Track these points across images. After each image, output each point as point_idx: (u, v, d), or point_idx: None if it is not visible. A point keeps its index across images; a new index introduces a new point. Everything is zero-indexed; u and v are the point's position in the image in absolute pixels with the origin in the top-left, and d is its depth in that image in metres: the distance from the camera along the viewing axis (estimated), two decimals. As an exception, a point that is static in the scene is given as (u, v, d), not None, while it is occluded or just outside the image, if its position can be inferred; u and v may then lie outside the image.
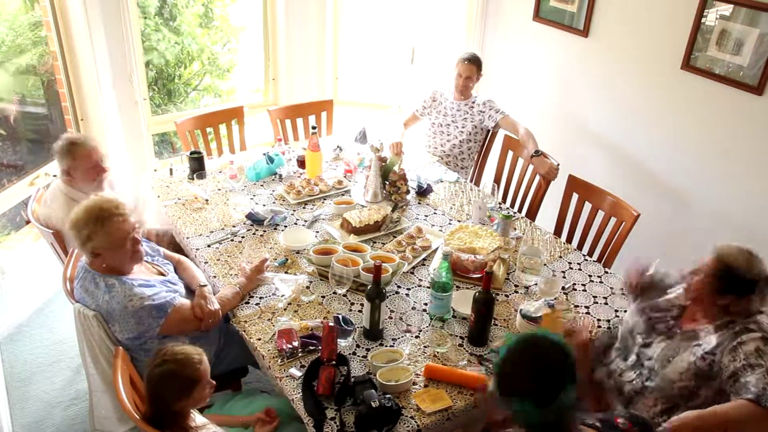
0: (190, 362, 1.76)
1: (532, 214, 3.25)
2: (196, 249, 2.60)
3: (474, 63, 3.48)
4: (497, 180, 3.53)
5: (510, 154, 3.53)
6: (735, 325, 1.88)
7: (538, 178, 3.28)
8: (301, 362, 2.04)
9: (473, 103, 3.55)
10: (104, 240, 2.04)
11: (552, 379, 1.37)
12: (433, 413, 1.88)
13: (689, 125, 3.18)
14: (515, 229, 2.85)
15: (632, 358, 2.07)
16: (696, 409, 1.81)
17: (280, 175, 3.18)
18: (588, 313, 2.35)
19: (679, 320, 2.04)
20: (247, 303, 2.30)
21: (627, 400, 2.02)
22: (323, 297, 2.35)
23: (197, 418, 1.87)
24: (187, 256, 2.60)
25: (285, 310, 2.27)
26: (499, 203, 3.10)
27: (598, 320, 2.33)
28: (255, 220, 2.75)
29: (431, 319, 2.26)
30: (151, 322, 2.08)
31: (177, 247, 2.78)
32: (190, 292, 2.37)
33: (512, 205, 3.40)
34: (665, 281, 2.19)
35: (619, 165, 3.59)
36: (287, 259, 2.53)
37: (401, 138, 3.50)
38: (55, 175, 2.94)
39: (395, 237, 2.71)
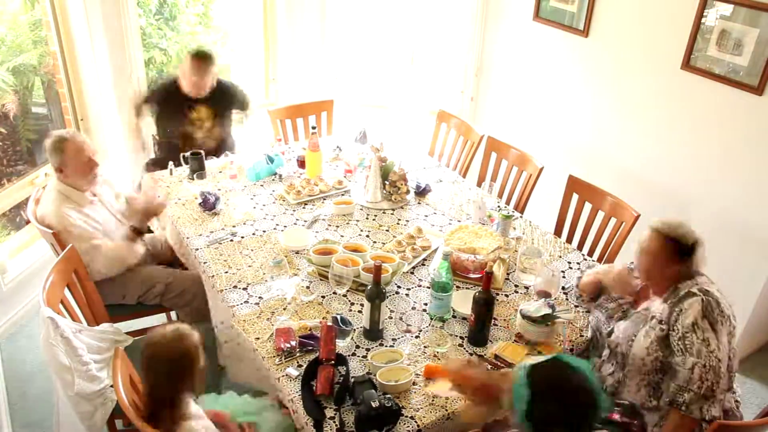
0: (182, 337, 1.73)
1: (520, 209, 3.20)
2: (196, 249, 2.60)
3: None
4: (479, 183, 3.47)
5: (494, 155, 3.49)
6: (679, 291, 1.97)
7: (523, 177, 3.25)
8: (298, 362, 2.04)
9: None
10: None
11: (584, 413, 1.40)
12: (437, 410, 1.88)
13: (689, 125, 3.18)
14: (515, 229, 2.85)
15: (605, 351, 2.13)
16: (677, 380, 1.88)
17: (280, 175, 3.18)
18: (588, 311, 2.35)
19: (635, 305, 2.13)
20: (247, 302, 2.30)
21: (611, 393, 2.06)
22: (323, 297, 2.35)
23: (192, 407, 1.82)
24: (182, 266, 2.78)
25: (285, 309, 2.27)
26: (499, 203, 3.10)
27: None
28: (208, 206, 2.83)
29: (431, 319, 2.26)
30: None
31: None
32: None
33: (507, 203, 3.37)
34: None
35: (620, 165, 3.58)
36: (282, 259, 2.53)
37: None
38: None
39: (395, 237, 2.71)
